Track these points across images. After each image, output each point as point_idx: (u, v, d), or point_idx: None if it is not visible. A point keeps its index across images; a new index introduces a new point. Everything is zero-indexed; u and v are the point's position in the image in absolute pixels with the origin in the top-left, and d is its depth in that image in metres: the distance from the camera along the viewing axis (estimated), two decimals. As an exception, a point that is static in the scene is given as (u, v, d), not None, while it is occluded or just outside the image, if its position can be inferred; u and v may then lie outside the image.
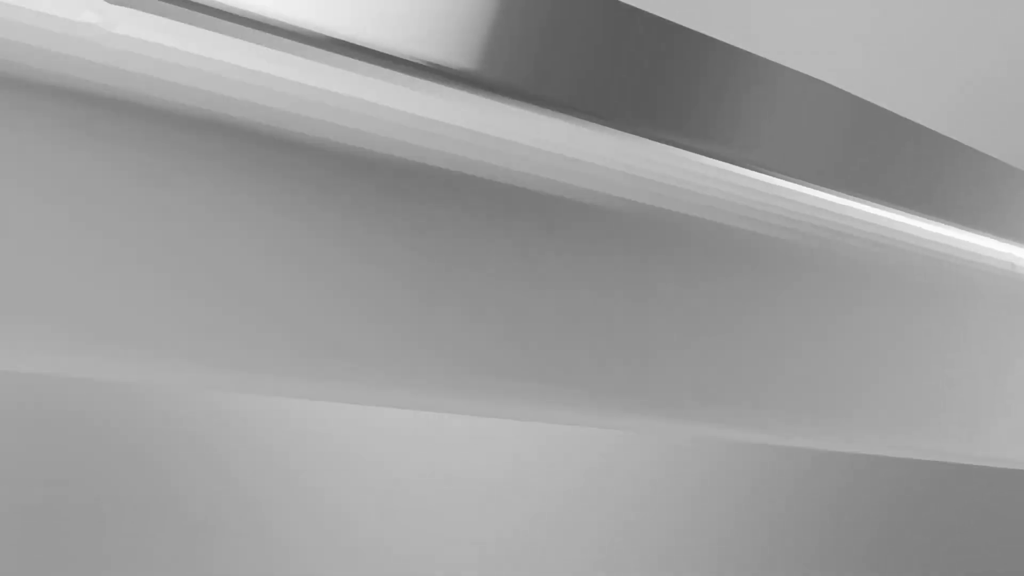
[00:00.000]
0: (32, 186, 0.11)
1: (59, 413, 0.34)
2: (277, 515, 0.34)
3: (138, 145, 0.12)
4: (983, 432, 0.19)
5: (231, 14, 0.12)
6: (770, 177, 0.16)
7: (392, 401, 0.14)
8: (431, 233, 0.13)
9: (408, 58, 0.13)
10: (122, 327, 0.13)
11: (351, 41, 0.13)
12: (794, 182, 0.16)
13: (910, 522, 0.43)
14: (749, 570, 0.40)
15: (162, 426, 0.35)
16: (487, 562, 0.39)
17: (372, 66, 0.13)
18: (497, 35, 0.14)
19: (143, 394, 0.35)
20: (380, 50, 0.13)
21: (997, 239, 0.18)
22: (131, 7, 0.12)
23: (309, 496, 0.35)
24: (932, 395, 0.18)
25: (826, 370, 0.16)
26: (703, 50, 0.15)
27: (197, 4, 0.12)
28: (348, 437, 0.35)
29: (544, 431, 0.40)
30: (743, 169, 0.15)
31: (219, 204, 0.12)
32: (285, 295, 0.12)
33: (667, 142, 0.15)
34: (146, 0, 0.12)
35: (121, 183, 0.12)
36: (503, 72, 0.14)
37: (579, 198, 0.14)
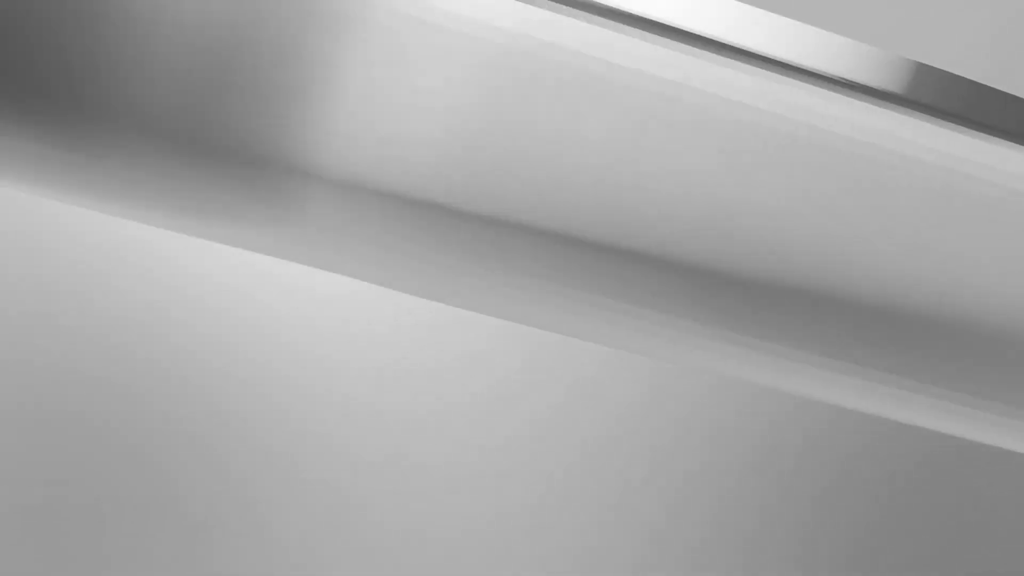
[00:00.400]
0: None
1: (59, 413, 0.34)
2: (278, 514, 0.34)
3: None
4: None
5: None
6: None
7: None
8: None
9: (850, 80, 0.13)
10: None
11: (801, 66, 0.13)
12: None
13: (929, 492, 0.42)
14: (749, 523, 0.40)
15: (162, 426, 0.35)
16: (491, 542, 0.39)
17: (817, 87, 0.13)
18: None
19: (143, 394, 0.35)
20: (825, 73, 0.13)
21: None
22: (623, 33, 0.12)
23: (310, 495, 0.35)
24: None
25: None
26: None
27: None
28: (349, 435, 0.35)
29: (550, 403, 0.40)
30: None
31: None
32: None
33: None
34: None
35: None
36: (937, 94, 0.14)
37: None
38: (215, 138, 0.12)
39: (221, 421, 0.35)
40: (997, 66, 0.40)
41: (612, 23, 0.13)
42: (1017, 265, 0.15)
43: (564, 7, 0.13)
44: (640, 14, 0.13)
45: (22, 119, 0.11)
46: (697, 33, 0.13)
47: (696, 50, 0.13)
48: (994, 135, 0.15)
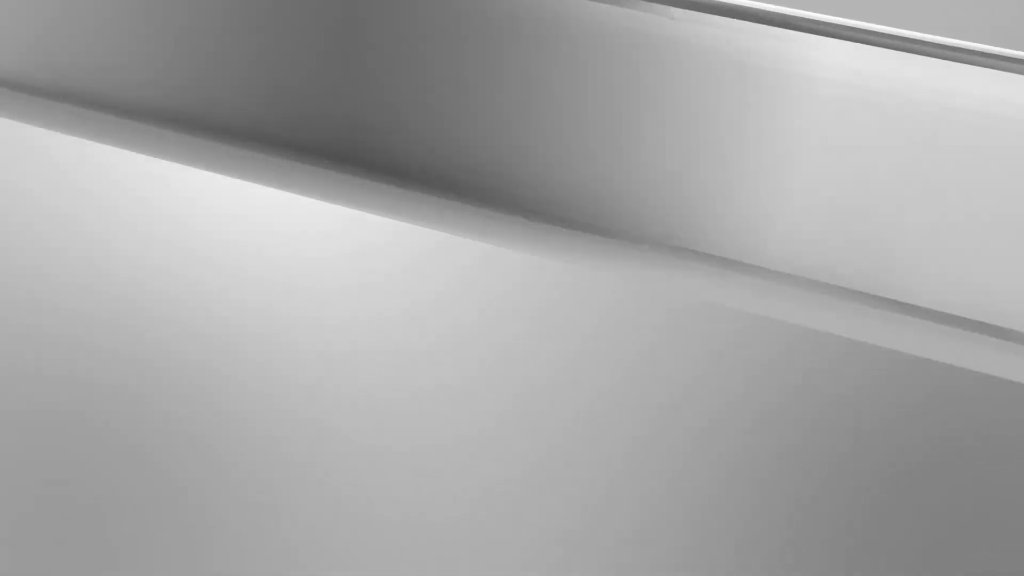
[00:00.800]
0: None
1: (59, 413, 0.34)
2: (280, 512, 0.34)
3: None
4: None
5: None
6: None
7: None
8: None
9: None
10: None
11: None
12: None
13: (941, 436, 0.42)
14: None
15: (162, 426, 0.35)
16: (496, 515, 0.39)
17: None
18: None
19: (143, 394, 0.35)
20: None
21: None
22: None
23: (313, 492, 0.35)
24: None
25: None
26: None
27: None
28: (350, 434, 0.35)
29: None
30: None
31: None
32: None
33: None
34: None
35: None
36: None
37: None
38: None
39: (221, 421, 0.35)
40: None
41: None
42: None
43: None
44: None
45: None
46: None
47: None
48: None
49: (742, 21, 0.12)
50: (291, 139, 0.13)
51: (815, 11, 0.12)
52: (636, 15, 0.12)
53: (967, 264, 0.13)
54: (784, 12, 0.12)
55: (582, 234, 0.14)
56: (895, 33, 0.12)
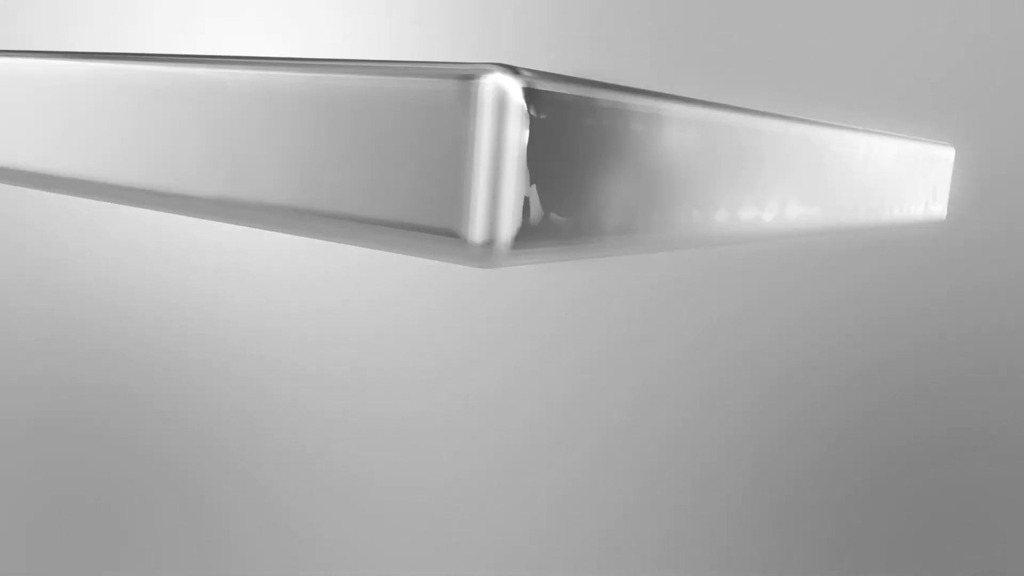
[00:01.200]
0: None
1: (60, 414, 0.35)
2: (282, 510, 0.35)
3: None
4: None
5: None
6: None
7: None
8: None
9: None
10: None
11: None
12: None
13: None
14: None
15: (162, 426, 0.35)
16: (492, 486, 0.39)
17: None
18: None
19: (144, 394, 0.35)
20: None
21: None
22: None
23: (314, 489, 0.35)
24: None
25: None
26: None
27: None
28: (350, 431, 0.36)
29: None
30: None
31: None
32: None
33: None
34: None
35: None
36: None
37: None
38: None
39: (221, 421, 0.36)
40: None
41: None
42: None
43: None
44: None
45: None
46: None
47: None
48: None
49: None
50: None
51: None
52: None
53: None
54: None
55: None
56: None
